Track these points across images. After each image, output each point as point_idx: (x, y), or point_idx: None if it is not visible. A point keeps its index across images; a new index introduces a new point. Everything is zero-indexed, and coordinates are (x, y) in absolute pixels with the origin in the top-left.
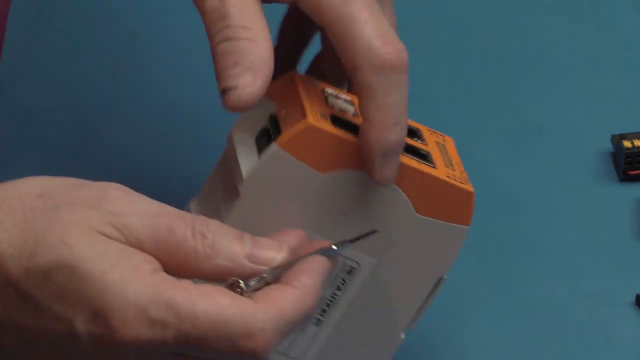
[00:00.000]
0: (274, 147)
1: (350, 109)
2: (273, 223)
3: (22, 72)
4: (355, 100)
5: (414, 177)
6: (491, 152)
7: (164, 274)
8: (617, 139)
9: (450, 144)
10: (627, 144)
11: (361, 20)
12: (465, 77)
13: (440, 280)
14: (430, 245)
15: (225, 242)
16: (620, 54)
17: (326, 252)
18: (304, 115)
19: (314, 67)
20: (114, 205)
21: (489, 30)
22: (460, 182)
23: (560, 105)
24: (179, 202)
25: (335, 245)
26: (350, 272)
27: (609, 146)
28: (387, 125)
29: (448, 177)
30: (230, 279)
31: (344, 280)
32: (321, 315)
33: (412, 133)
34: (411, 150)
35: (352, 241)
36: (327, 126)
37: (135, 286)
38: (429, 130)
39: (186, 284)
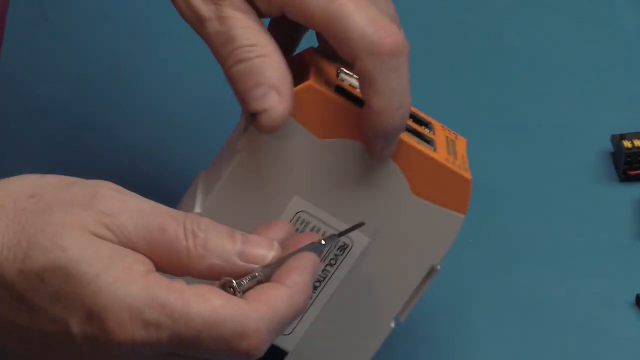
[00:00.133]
0: None
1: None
2: (268, 184)
3: (21, 72)
4: None
5: (413, 156)
6: (491, 151)
7: (157, 275)
8: (617, 139)
9: (461, 142)
10: (627, 144)
11: (349, 12)
12: (465, 77)
13: (433, 270)
14: (423, 229)
15: (217, 241)
16: (620, 54)
17: (315, 247)
18: (307, 79)
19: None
20: (106, 205)
21: (489, 30)
22: (459, 169)
23: (560, 105)
24: (178, 200)
25: (324, 240)
26: (343, 248)
27: (609, 146)
28: (389, 111)
29: (447, 161)
30: (223, 279)
31: (336, 257)
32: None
33: (423, 124)
34: (416, 134)
35: (340, 235)
36: (329, 92)
37: (129, 288)
38: (442, 126)
39: (179, 284)
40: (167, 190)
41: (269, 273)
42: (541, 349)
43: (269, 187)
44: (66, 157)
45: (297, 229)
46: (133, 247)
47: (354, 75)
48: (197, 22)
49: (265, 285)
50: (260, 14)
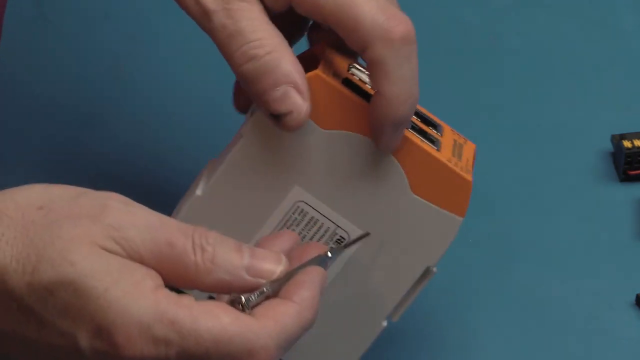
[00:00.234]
0: None
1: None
2: (270, 171)
3: (21, 72)
4: None
5: (415, 153)
6: (491, 152)
7: (166, 291)
8: (617, 139)
9: (469, 147)
10: (627, 144)
11: (360, 2)
12: (465, 77)
13: (428, 271)
14: (421, 229)
15: (225, 255)
16: (620, 54)
17: (322, 259)
18: (315, 68)
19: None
20: (114, 218)
21: (489, 30)
22: (460, 170)
23: (560, 105)
24: (178, 199)
25: (330, 252)
26: (340, 242)
27: (609, 146)
28: (401, 98)
29: (449, 162)
30: (231, 295)
31: (332, 249)
32: None
33: (432, 125)
34: (421, 133)
35: (346, 246)
36: (336, 83)
37: (138, 303)
38: (452, 130)
39: (188, 300)
40: (167, 190)
41: (277, 288)
42: (541, 349)
43: (270, 174)
44: (66, 157)
45: (294, 219)
46: (141, 261)
47: (365, 71)
48: (202, 16)
49: (274, 301)
50: (265, 9)
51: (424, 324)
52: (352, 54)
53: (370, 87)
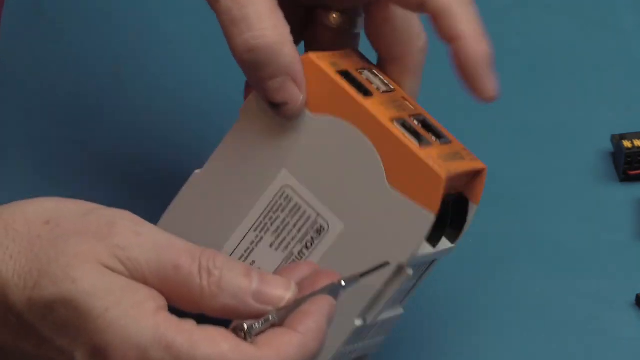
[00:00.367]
0: None
1: (380, 86)
2: (261, 153)
3: (21, 71)
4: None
5: (392, 144)
6: (491, 152)
7: (167, 314)
8: (617, 139)
9: (472, 162)
10: (627, 144)
11: None
12: None
13: (401, 271)
14: (393, 223)
15: (232, 280)
16: (620, 54)
17: (335, 288)
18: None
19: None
20: (121, 237)
21: (489, 30)
22: (434, 164)
23: (560, 105)
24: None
25: (344, 282)
26: (320, 231)
27: (609, 146)
28: (479, 35)
29: (426, 156)
30: (234, 322)
31: (312, 239)
32: None
33: (435, 134)
34: (411, 132)
35: (362, 275)
36: (326, 67)
37: (137, 325)
38: (464, 148)
39: (189, 325)
40: (167, 190)
41: (284, 315)
42: (541, 348)
43: (261, 157)
44: (66, 157)
45: (280, 205)
46: (145, 282)
47: (379, 75)
48: None
49: (277, 330)
50: None
51: (423, 324)
52: (367, 62)
53: (375, 87)
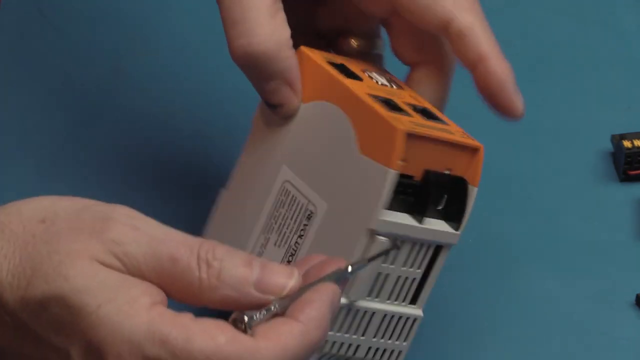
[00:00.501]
0: None
1: (381, 80)
2: (268, 153)
3: (20, 71)
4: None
5: (364, 112)
6: (491, 152)
7: (162, 309)
8: (617, 139)
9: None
10: (627, 144)
11: None
12: (464, 77)
13: (372, 236)
14: (363, 190)
15: (232, 270)
16: (620, 54)
17: (341, 275)
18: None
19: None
20: (116, 232)
21: None
22: (394, 120)
23: (560, 105)
24: (178, 199)
25: (351, 267)
26: (310, 217)
27: (609, 146)
28: (500, 54)
29: (387, 115)
30: (234, 314)
31: (305, 227)
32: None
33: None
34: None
35: (369, 260)
36: (319, 59)
37: (130, 321)
38: (460, 129)
39: (185, 318)
40: (167, 190)
41: (287, 304)
42: (541, 348)
43: (267, 160)
44: (66, 157)
45: (281, 201)
46: (143, 277)
47: (385, 76)
48: None
49: (278, 320)
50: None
51: (423, 324)
52: (385, 72)
53: (374, 81)
